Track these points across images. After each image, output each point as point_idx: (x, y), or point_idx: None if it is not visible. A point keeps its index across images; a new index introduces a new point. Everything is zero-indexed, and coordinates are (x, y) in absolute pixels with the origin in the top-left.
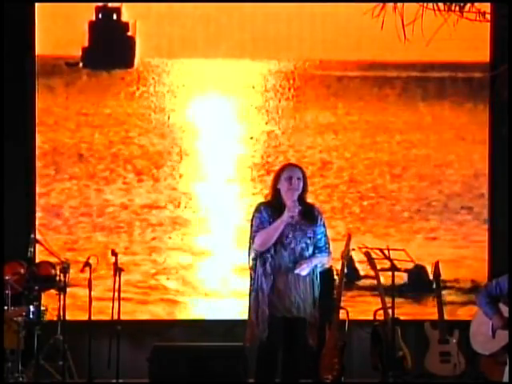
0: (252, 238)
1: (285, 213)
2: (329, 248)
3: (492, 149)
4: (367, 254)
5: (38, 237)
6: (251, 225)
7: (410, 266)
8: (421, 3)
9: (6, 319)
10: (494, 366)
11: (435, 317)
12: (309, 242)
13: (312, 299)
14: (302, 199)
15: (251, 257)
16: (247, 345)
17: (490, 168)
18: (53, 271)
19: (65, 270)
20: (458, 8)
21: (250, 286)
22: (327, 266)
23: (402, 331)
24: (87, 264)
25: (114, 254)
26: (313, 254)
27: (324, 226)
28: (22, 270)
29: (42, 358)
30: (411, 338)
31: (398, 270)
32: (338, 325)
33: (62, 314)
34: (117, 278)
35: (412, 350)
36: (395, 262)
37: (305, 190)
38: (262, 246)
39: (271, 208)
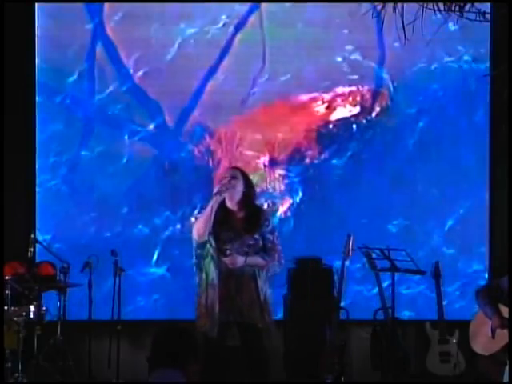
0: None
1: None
2: (274, 254)
3: (492, 149)
4: (367, 254)
5: (38, 237)
6: None
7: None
8: (421, 3)
9: (5, 319)
10: (494, 366)
11: (435, 317)
12: (247, 249)
13: (258, 304)
14: (248, 200)
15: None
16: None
17: (490, 168)
18: (53, 271)
19: (65, 270)
20: (457, 8)
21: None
22: (277, 270)
23: (402, 331)
24: (87, 264)
25: (114, 254)
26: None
27: (271, 231)
28: (22, 270)
29: (42, 358)
30: (411, 338)
31: (398, 270)
32: (338, 325)
33: (62, 313)
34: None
35: (412, 350)
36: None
37: (249, 190)
38: (200, 236)
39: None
